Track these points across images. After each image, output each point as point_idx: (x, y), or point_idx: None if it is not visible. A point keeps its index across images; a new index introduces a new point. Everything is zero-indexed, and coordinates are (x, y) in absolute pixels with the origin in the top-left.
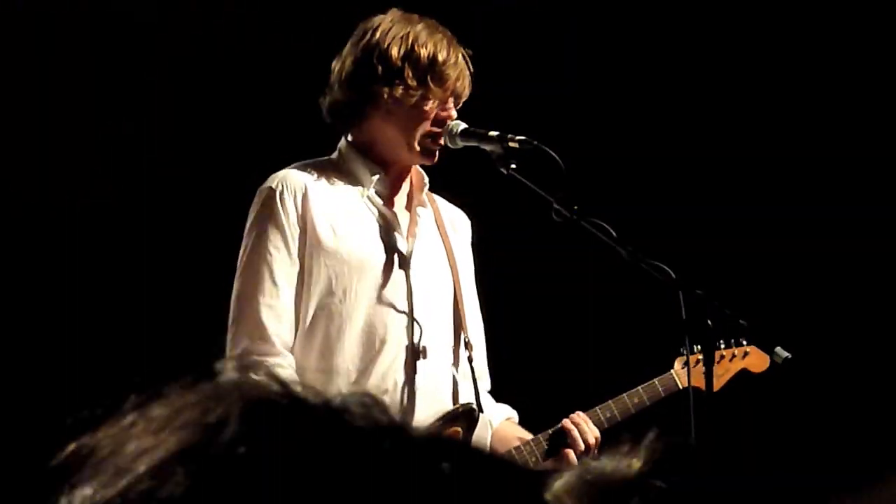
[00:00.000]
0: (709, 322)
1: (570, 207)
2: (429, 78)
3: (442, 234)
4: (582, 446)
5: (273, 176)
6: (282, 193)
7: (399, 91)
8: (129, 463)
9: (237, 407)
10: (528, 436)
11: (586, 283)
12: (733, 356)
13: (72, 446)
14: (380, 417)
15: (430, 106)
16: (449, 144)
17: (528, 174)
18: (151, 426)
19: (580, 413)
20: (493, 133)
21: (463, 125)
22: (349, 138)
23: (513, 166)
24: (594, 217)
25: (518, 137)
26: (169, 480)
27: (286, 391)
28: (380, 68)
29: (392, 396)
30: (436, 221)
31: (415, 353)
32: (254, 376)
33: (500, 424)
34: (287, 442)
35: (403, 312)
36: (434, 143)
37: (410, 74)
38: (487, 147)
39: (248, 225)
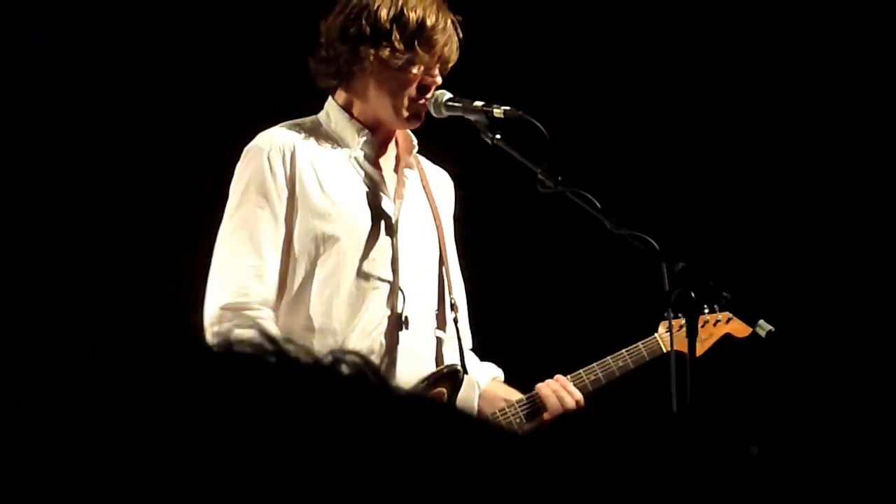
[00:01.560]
0: (692, 294)
1: (555, 177)
2: (416, 42)
3: (428, 196)
4: (559, 410)
5: (260, 135)
6: (269, 152)
7: (386, 53)
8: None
9: (230, 365)
10: (515, 394)
11: (571, 251)
12: (717, 321)
13: None
14: (368, 377)
15: (417, 70)
16: (434, 114)
17: (514, 144)
18: None
19: (560, 377)
20: (478, 103)
21: (448, 94)
22: (336, 98)
23: (497, 136)
24: (578, 187)
25: (503, 107)
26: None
27: (277, 349)
28: (368, 29)
29: (375, 360)
30: (422, 183)
31: (397, 319)
32: (245, 332)
33: (486, 385)
34: (277, 400)
35: (387, 281)
36: (419, 107)
37: (398, 37)
38: (472, 117)
39: (233, 183)
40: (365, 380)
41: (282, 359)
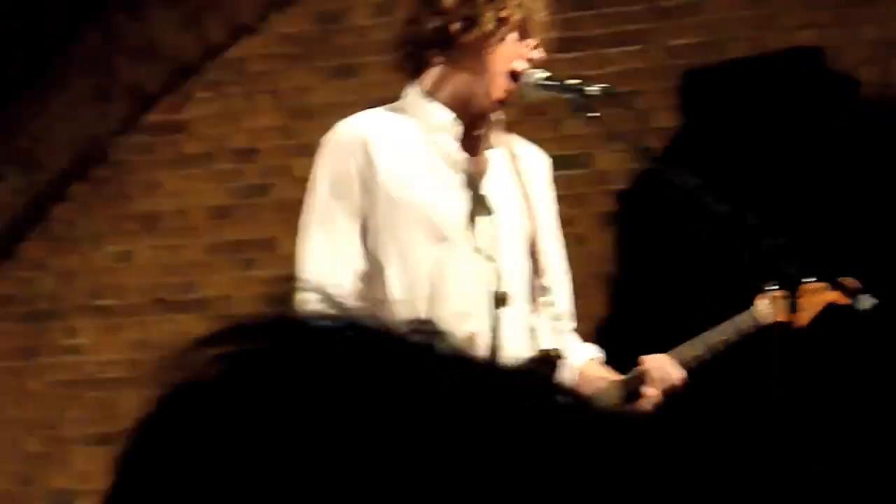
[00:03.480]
0: (789, 267)
1: (650, 154)
2: (510, 26)
3: (517, 176)
4: (664, 386)
5: (337, 125)
6: (345, 144)
7: (477, 36)
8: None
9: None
10: (613, 376)
11: (664, 227)
12: (819, 290)
13: None
14: (443, 347)
15: (509, 54)
16: (527, 93)
17: (607, 121)
18: None
19: (661, 355)
20: (572, 81)
21: (541, 73)
22: (418, 83)
23: (592, 115)
24: (674, 164)
25: (598, 85)
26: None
27: (356, 320)
28: (457, 10)
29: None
30: (511, 163)
31: (494, 303)
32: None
33: (583, 365)
34: (347, 368)
35: (476, 265)
36: (511, 85)
37: (489, 17)
38: (566, 95)
39: (311, 176)
40: (448, 350)
41: (360, 330)
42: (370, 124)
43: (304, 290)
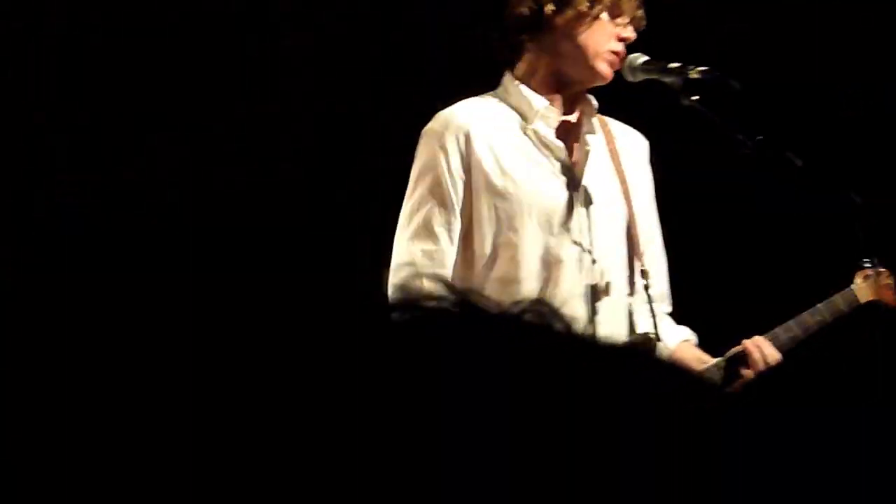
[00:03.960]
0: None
1: (754, 139)
2: (603, 5)
3: (614, 160)
4: (762, 368)
5: (436, 117)
6: (444, 135)
7: (571, 16)
8: None
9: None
10: (708, 358)
11: (756, 205)
12: None
13: None
14: (557, 326)
15: (603, 33)
16: (628, 77)
17: (710, 105)
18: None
19: (758, 337)
20: (674, 65)
21: (643, 57)
22: (513, 70)
23: (694, 98)
24: (776, 148)
25: (699, 68)
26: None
27: (463, 299)
28: None
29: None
30: (608, 147)
31: (594, 290)
32: (428, 285)
33: (677, 347)
34: (465, 347)
35: (576, 253)
36: (604, 68)
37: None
38: (667, 79)
39: (412, 169)
40: (553, 330)
41: (467, 308)
42: (470, 114)
43: (418, 277)
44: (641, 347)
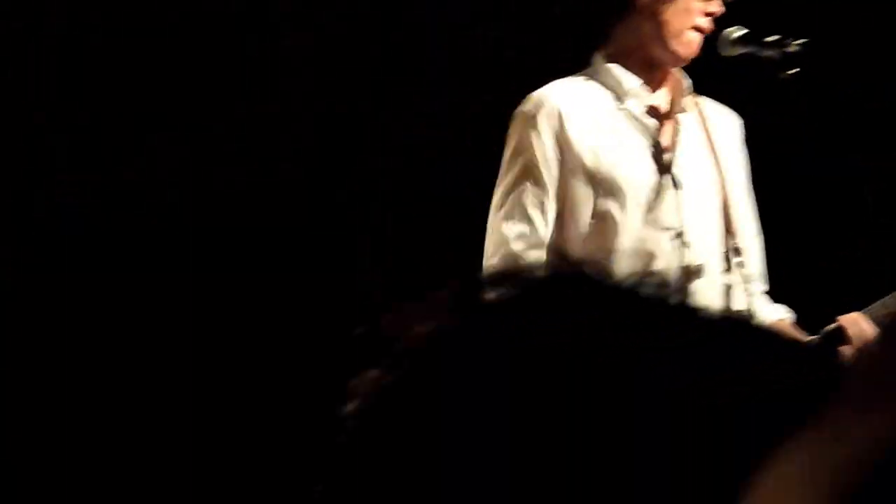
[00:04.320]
0: None
1: (853, 112)
2: None
3: (708, 139)
4: (860, 344)
5: (527, 98)
6: (536, 117)
7: None
8: (415, 344)
9: (522, 290)
10: (805, 336)
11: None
12: None
13: (363, 330)
14: (671, 298)
15: (686, 10)
16: (723, 52)
17: (810, 80)
18: (437, 310)
19: (856, 313)
20: (772, 38)
21: (741, 30)
22: (604, 49)
23: (792, 72)
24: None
25: (799, 41)
26: (395, 368)
27: (578, 270)
28: None
29: None
30: (701, 126)
31: (687, 272)
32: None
33: (774, 325)
34: (578, 316)
35: (671, 233)
36: (689, 48)
37: None
38: (766, 53)
39: (504, 151)
40: (667, 301)
41: (581, 277)
42: (562, 94)
43: (513, 260)
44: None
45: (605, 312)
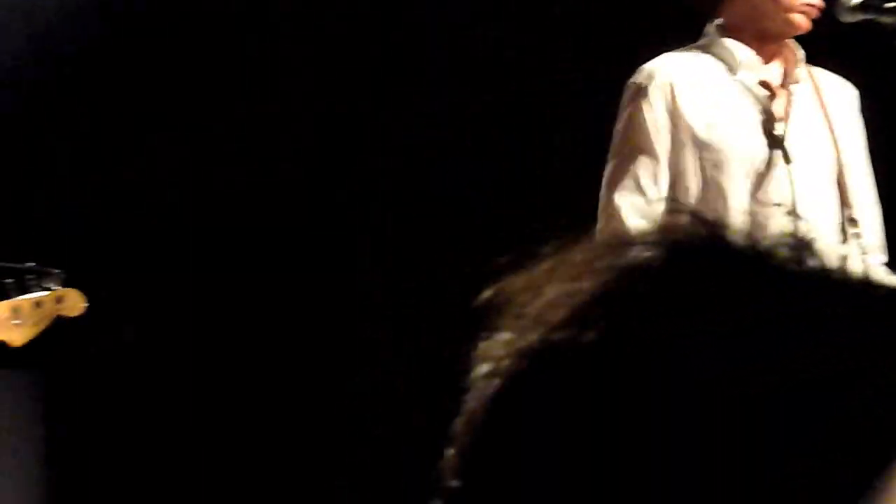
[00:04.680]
0: None
1: None
2: None
3: (822, 110)
4: None
5: (639, 70)
6: (648, 88)
7: None
8: (548, 309)
9: (660, 249)
10: None
11: None
12: None
13: (490, 292)
14: (810, 261)
15: None
16: (841, 18)
17: None
18: (570, 271)
19: None
20: (893, 3)
21: None
22: (717, 20)
23: None
24: None
25: None
26: (589, 326)
27: (713, 231)
28: None
29: None
30: (816, 97)
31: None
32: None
33: None
34: (711, 283)
35: (784, 205)
36: (810, 10)
37: None
38: (886, 19)
39: (617, 123)
40: (804, 264)
41: (717, 241)
42: (674, 66)
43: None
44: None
45: (749, 276)
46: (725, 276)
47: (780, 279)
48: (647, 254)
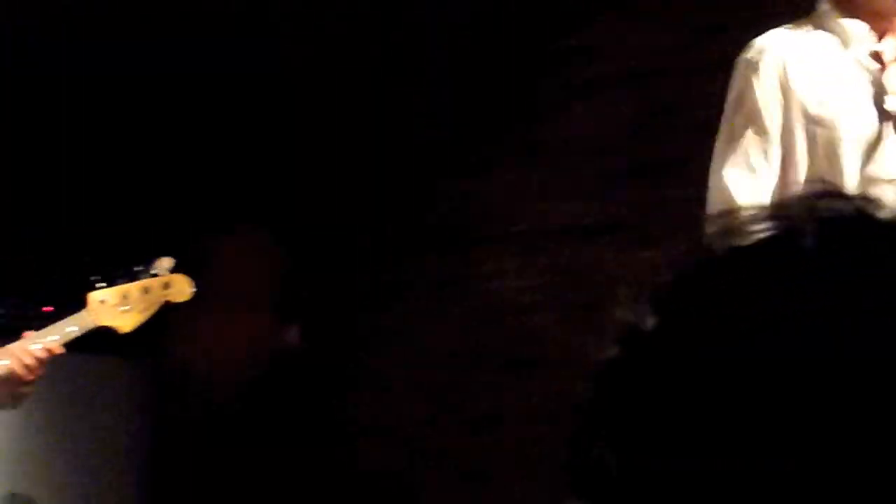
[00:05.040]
0: None
1: None
2: None
3: None
4: None
5: (750, 44)
6: (759, 63)
7: None
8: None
9: (808, 222)
10: None
11: None
12: None
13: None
14: None
15: None
16: None
17: None
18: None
19: None
20: None
21: None
22: None
23: None
24: None
25: None
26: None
27: (856, 204)
28: None
29: None
30: None
31: None
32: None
33: None
34: (859, 254)
35: (886, 188)
36: None
37: None
38: None
39: (727, 98)
40: None
41: (861, 213)
42: (786, 40)
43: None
44: None
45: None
46: (883, 252)
47: None
48: (775, 228)
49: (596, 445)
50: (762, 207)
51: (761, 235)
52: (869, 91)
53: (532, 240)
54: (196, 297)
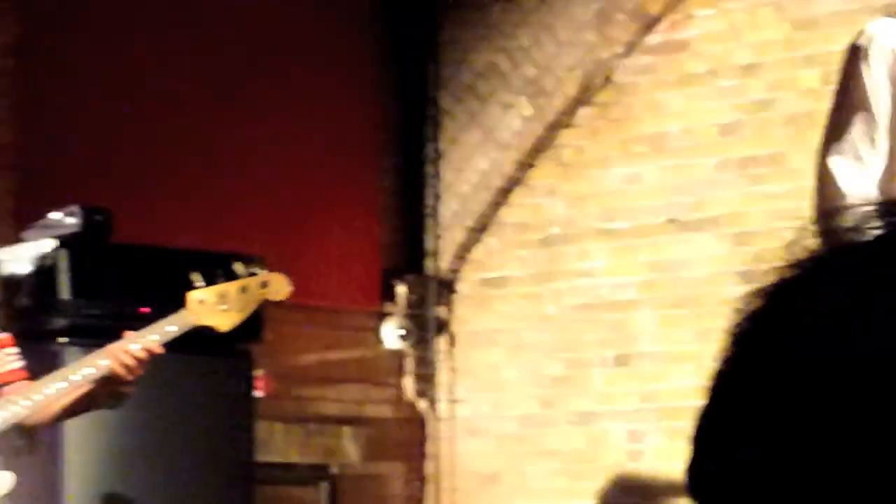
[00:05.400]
0: None
1: None
2: None
3: None
4: None
5: (860, 31)
6: (868, 50)
7: None
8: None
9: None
10: None
11: None
12: None
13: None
14: None
15: None
16: None
17: None
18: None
19: None
20: None
21: None
22: None
23: None
24: None
25: None
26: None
27: None
28: None
29: None
30: None
31: None
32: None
33: None
34: None
35: None
36: None
37: None
38: None
39: (837, 84)
40: None
41: None
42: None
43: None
44: None
45: None
46: None
47: None
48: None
49: (732, 446)
50: (877, 203)
51: (878, 232)
52: None
53: (626, 234)
54: None
